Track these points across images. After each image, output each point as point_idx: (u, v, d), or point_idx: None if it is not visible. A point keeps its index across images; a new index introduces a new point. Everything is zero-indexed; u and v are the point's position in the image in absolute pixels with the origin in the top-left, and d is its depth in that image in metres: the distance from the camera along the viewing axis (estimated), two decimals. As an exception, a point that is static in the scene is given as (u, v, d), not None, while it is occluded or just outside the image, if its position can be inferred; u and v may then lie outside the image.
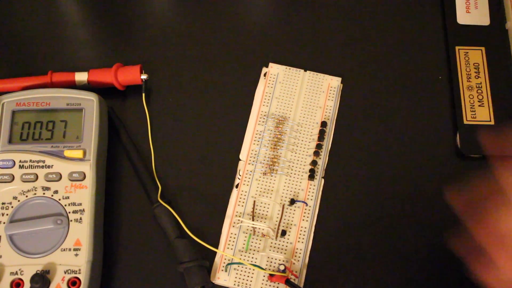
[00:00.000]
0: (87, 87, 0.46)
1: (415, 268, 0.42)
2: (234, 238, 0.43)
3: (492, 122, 0.46)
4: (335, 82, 0.48)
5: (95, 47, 0.50)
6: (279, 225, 0.43)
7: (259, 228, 0.43)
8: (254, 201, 0.44)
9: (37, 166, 0.41)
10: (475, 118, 0.46)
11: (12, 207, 0.41)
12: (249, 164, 0.45)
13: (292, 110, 0.46)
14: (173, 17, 0.51)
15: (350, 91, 0.48)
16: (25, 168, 0.41)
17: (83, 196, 0.41)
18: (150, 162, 0.45)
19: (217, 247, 0.42)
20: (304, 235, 0.43)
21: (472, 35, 0.49)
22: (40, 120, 0.43)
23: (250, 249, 0.42)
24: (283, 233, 0.43)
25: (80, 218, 0.40)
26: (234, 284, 0.41)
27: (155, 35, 0.50)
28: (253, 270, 0.42)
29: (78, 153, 0.42)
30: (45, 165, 0.41)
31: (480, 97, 0.47)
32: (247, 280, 0.41)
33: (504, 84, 0.47)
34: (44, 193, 0.41)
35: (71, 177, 0.41)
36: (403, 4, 0.51)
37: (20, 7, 0.51)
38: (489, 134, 0.46)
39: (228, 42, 0.49)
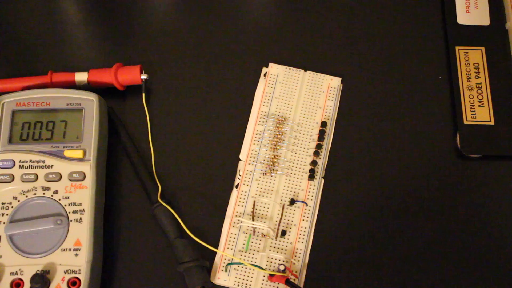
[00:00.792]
0: (87, 87, 0.46)
1: (415, 268, 0.42)
2: (234, 238, 0.43)
3: (492, 122, 0.46)
4: (335, 82, 0.48)
5: (95, 47, 0.50)
6: (279, 225, 0.43)
7: (259, 228, 0.43)
8: (254, 201, 0.44)
9: (37, 166, 0.41)
10: (475, 118, 0.46)
11: (12, 207, 0.41)
12: (249, 164, 0.45)
13: (292, 110, 0.46)
14: (173, 17, 0.51)
15: (350, 91, 0.48)
16: (25, 168, 0.41)
17: (83, 196, 0.41)
18: (150, 162, 0.45)
19: (217, 247, 0.42)
20: (304, 235, 0.43)
21: (472, 35, 0.49)
22: (40, 120, 0.43)
23: (250, 249, 0.42)
24: (283, 233, 0.43)
25: (80, 218, 0.40)
26: (234, 284, 0.41)
27: (155, 35, 0.50)
28: (253, 270, 0.42)
29: (78, 153, 0.42)
30: (45, 165, 0.41)
31: (480, 97, 0.47)
32: (247, 280, 0.41)
33: (504, 84, 0.47)
34: (44, 193, 0.41)
35: (71, 177, 0.41)
36: (403, 4, 0.51)
37: (20, 7, 0.51)
38: (489, 134, 0.46)
39: (228, 42, 0.49)
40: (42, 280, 0.38)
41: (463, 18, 0.50)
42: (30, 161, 0.41)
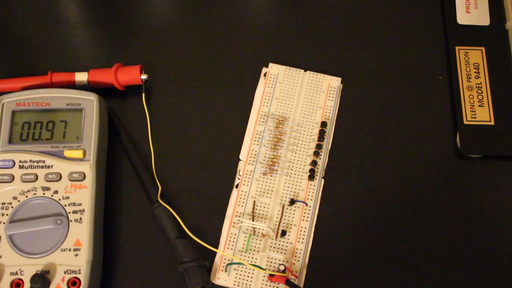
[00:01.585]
0: (87, 87, 0.46)
1: (415, 267, 0.42)
2: (234, 238, 0.43)
3: (492, 122, 0.46)
4: (335, 82, 0.48)
5: (95, 47, 0.50)
6: (279, 225, 0.43)
7: (259, 228, 0.43)
8: (254, 201, 0.44)
9: (37, 166, 0.41)
10: (475, 118, 0.46)
11: (12, 207, 0.41)
12: (249, 164, 0.45)
13: (292, 110, 0.46)
14: (173, 17, 0.51)
15: (350, 91, 0.48)
16: (25, 168, 0.41)
17: (83, 196, 0.41)
18: (150, 162, 0.45)
19: (217, 247, 0.42)
20: (304, 235, 0.43)
21: (472, 35, 0.49)
22: (40, 120, 0.43)
23: (250, 249, 0.42)
24: (283, 233, 0.43)
25: (80, 218, 0.40)
26: (234, 284, 0.41)
27: (155, 35, 0.50)
28: (253, 270, 0.42)
29: (78, 153, 0.42)
30: (45, 165, 0.41)
31: (480, 97, 0.47)
32: (247, 280, 0.41)
33: (504, 84, 0.47)
34: (44, 193, 0.41)
35: (71, 177, 0.41)
36: (403, 4, 0.51)
37: (20, 7, 0.51)
38: (489, 134, 0.46)
39: (228, 42, 0.49)
40: (42, 280, 0.38)
41: (463, 18, 0.50)
42: (30, 161, 0.41)
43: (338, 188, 0.45)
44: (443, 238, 0.43)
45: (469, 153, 0.45)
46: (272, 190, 0.44)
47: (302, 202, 0.44)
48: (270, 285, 0.41)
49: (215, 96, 0.47)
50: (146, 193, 0.43)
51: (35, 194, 0.41)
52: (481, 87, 0.47)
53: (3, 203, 0.41)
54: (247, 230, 0.43)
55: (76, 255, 0.40)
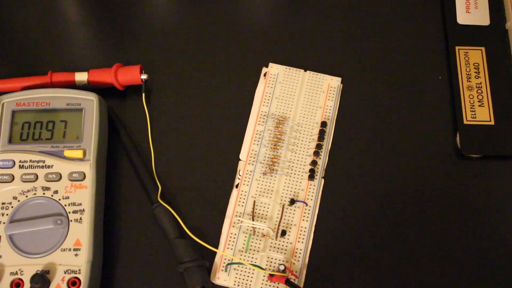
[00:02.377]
0: (87, 87, 0.46)
1: (415, 268, 0.42)
2: (234, 238, 0.43)
3: (492, 122, 0.46)
4: (335, 82, 0.48)
5: (95, 47, 0.50)
6: (279, 225, 0.43)
7: (259, 228, 0.43)
8: (254, 201, 0.44)
9: (37, 166, 0.41)
10: (475, 118, 0.46)
11: (12, 207, 0.41)
12: (249, 164, 0.45)
13: (292, 110, 0.46)
14: (173, 17, 0.51)
15: (350, 91, 0.48)
16: (25, 168, 0.41)
17: (83, 196, 0.41)
18: (150, 162, 0.45)
19: (217, 247, 0.42)
20: (304, 235, 0.43)
21: (472, 35, 0.49)
22: (40, 120, 0.43)
23: (250, 249, 0.42)
24: (283, 233, 0.43)
25: (80, 218, 0.40)
26: (234, 284, 0.41)
27: (155, 35, 0.50)
28: (253, 270, 0.42)
29: (78, 153, 0.42)
30: (45, 165, 0.41)
31: (480, 97, 0.47)
32: (247, 280, 0.41)
33: (504, 84, 0.47)
34: (44, 193, 0.41)
35: (71, 177, 0.41)
36: (403, 4, 0.51)
37: (20, 7, 0.51)
38: (489, 134, 0.46)
39: (228, 42, 0.49)
40: (42, 280, 0.38)
41: (463, 18, 0.50)
42: (30, 161, 0.41)
43: (338, 188, 0.45)
44: (443, 238, 0.43)
45: (469, 153, 0.45)
46: (272, 190, 0.44)
47: (302, 202, 0.44)
48: (270, 285, 0.41)
49: (215, 96, 0.47)
50: (146, 193, 0.43)
51: (35, 194, 0.41)
52: (481, 87, 0.47)
53: (3, 203, 0.41)
54: (247, 230, 0.43)
55: (76, 255, 0.40)
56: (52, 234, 0.40)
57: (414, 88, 0.48)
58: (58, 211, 0.41)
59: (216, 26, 0.50)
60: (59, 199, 0.41)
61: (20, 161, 0.41)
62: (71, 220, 0.40)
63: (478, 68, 0.48)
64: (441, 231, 0.43)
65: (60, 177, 0.41)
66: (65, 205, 0.41)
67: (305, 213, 0.43)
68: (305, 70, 0.48)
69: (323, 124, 0.46)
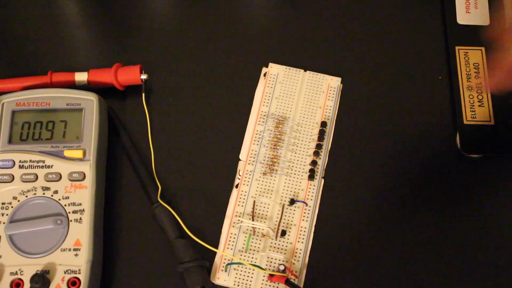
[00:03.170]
0: (87, 87, 0.46)
1: (415, 267, 0.42)
2: (234, 238, 0.43)
3: (492, 122, 0.46)
4: (335, 82, 0.48)
5: (95, 47, 0.50)
6: (279, 225, 0.43)
7: (259, 228, 0.43)
8: (254, 201, 0.44)
9: (37, 166, 0.41)
10: (475, 118, 0.46)
11: (12, 207, 0.41)
12: (249, 164, 0.45)
13: (292, 110, 0.46)
14: (173, 17, 0.51)
15: (350, 91, 0.48)
16: (25, 168, 0.41)
17: (83, 196, 0.41)
18: (150, 162, 0.45)
19: (217, 247, 0.42)
20: (304, 235, 0.43)
21: (472, 35, 0.49)
22: (40, 120, 0.43)
23: (250, 249, 0.42)
24: (283, 233, 0.43)
25: (80, 218, 0.40)
26: (234, 284, 0.41)
27: (155, 35, 0.50)
28: (253, 270, 0.42)
29: (78, 153, 0.42)
30: (45, 165, 0.41)
31: (480, 97, 0.47)
32: (247, 280, 0.41)
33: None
34: (44, 193, 0.41)
35: (71, 177, 0.41)
36: (403, 4, 0.51)
37: (20, 7, 0.51)
38: (489, 134, 0.46)
39: (228, 42, 0.49)
40: (42, 280, 0.38)
41: (463, 18, 0.50)
42: (30, 161, 0.41)
43: (338, 188, 0.45)
44: (442, 238, 0.43)
45: (469, 153, 0.45)
46: (272, 190, 0.44)
47: (302, 202, 0.44)
48: (270, 285, 0.41)
49: (215, 96, 0.47)
50: (146, 193, 0.43)
51: (35, 194, 0.41)
52: (481, 87, 0.47)
53: (3, 203, 0.41)
54: (247, 230, 0.43)
55: (76, 255, 0.40)
56: (52, 234, 0.40)
57: (414, 88, 0.48)
58: (58, 211, 0.41)
59: (216, 26, 0.50)
60: (59, 199, 0.41)
61: (20, 161, 0.41)
62: (71, 220, 0.40)
63: (478, 68, 0.48)
64: (441, 231, 0.43)
65: (60, 177, 0.41)
66: (65, 205, 0.41)
67: (305, 213, 0.43)
68: (305, 70, 0.48)
69: (323, 124, 0.46)
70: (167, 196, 0.44)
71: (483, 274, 0.42)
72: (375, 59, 0.49)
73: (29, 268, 0.39)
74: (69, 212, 0.40)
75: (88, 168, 0.41)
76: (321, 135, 0.45)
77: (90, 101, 0.43)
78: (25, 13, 0.50)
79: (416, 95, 0.48)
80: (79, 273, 0.39)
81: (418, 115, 0.47)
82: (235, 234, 0.43)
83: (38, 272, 0.39)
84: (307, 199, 0.44)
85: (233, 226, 0.43)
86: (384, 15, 0.51)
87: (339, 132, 0.46)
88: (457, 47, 0.49)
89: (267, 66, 0.48)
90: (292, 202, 0.44)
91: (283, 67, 0.48)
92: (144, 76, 0.46)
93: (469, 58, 0.48)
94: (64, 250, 0.40)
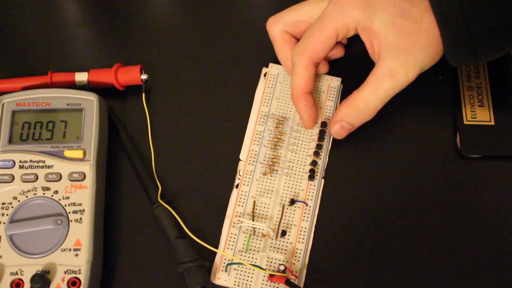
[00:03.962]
0: (87, 87, 0.46)
1: (415, 267, 0.42)
2: (234, 238, 0.43)
3: (492, 122, 0.46)
4: (335, 82, 0.48)
5: (95, 47, 0.50)
6: (279, 225, 0.43)
7: (259, 228, 0.43)
8: (254, 201, 0.44)
9: (37, 166, 0.41)
10: (475, 118, 0.46)
11: (12, 207, 0.41)
12: (249, 164, 0.45)
13: (292, 110, 0.46)
14: (173, 17, 0.51)
15: (350, 91, 0.48)
16: (25, 168, 0.41)
17: (83, 196, 0.41)
18: (150, 162, 0.45)
19: (217, 247, 0.42)
20: (304, 235, 0.43)
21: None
22: (40, 120, 0.43)
23: (250, 249, 0.42)
24: (283, 233, 0.43)
25: (80, 218, 0.40)
26: (234, 284, 0.41)
27: (155, 35, 0.50)
28: (253, 270, 0.42)
29: (78, 153, 0.42)
30: (45, 165, 0.41)
31: (480, 97, 0.47)
32: (247, 280, 0.41)
33: (504, 84, 0.47)
34: (44, 193, 0.41)
35: (71, 177, 0.41)
36: (403, 4, 0.51)
37: (20, 7, 0.51)
38: (489, 134, 0.46)
39: (228, 42, 0.49)
40: (42, 280, 0.38)
41: (463, 18, 0.50)
42: (30, 161, 0.41)
43: (338, 188, 0.45)
44: (443, 237, 0.43)
45: (469, 153, 0.45)
46: (272, 190, 0.44)
47: (302, 202, 0.44)
48: (270, 285, 0.41)
49: (215, 96, 0.47)
50: (146, 193, 0.44)
51: (35, 194, 0.41)
52: (481, 87, 0.47)
53: (3, 203, 0.41)
54: (247, 230, 0.43)
55: (76, 255, 0.40)
56: (52, 234, 0.40)
57: (414, 88, 0.48)
58: (58, 211, 0.41)
59: (216, 26, 0.50)
60: (59, 199, 0.41)
61: (20, 161, 0.41)
62: (71, 220, 0.40)
63: (478, 68, 0.48)
64: (441, 231, 0.43)
65: (60, 177, 0.41)
66: (65, 205, 0.41)
67: (305, 213, 0.43)
68: (305, 70, 0.48)
69: (323, 124, 0.46)
70: (167, 196, 0.44)
71: (483, 274, 0.42)
72: (375, 59, 0.49)
73: (29, 268, 0.39)
74: (69, 212, 0.40)
75: (88, 168, 0.41)
76: (321, 135, 0.45)
77: (90, 101, 0.43)
78: (25, 13, 0.50)
79: (416, 95, 0.48)
80: (79, 273, 0.39)
81: (418, 115, 0.47)
82: (235, 234, 0.43)
83: (38, 272, 0.39)
84: (307, 199, 0.44)
85: (233, 226, 0.43)
86: (384, 15, 0.51)
87: (339, 132, 0.46)
88: (457, 47, 0.49)
89: (267, 66, 0.48)
90: (292, 202, 0.44)
91: (283, 67, 0.48)
92: (144, 76, 0.46)
93: (469, 58, 0.48)
94: (64, 250, 0.40)
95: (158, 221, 0.42)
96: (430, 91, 0.48)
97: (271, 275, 0.41)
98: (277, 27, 0.45)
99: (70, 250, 0.40)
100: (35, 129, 0.43)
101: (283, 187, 0.44)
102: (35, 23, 0.50)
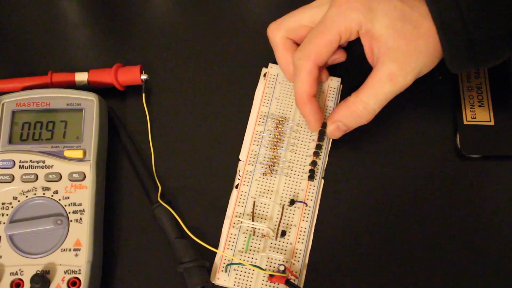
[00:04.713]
0: (87, 87, 0.46)
1: (415, 267, 0.42)
2: (234, 238, 0.43)
3: (492, 122, 0.46)
4: (335, 82, 0.48)
5: (95, 47, 0.50)
6: (279, 226, 0.43)
7: (259, 229, 0.43)
8: (254, 202, 0.44)
9: (37, 166, 0.41)
10: (475, 118, 0.46)
11: (12, 207, 0.41)
12: (249, 164, 0.45)
13: (292, 110, 0.46)
14: (173, 18, 0.51)
15: (349, 91, 0.48)
16: (25, 168, 0.41)
17: (83, 196, 0.41)
18: (150, 162, 0.45)
19: (217, 248, 0.42)
20: (304, 235, 0.43)
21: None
22: (40, 120, 0.43)
23: (250, 250, 0.42)
24: (283, 233, 0.43)
25: (80, 218, 0.40)
26: (234, 285, 0.41)
27: (155, 35, 0.50)
28: (253, 270, 0.42)
29: (78, 153, 0.42)
30: (45, 165, 0.41)
31: (480, 97, 0.47)
32: (247, 280, 0.41)
33: (504, 84, 0.47)
34: (44, 193, 0.41)
35: (71, 177, 0.41)
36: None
37: (20, 8, 0.51)
38: (489, 134, 0.46)
39: (228, 42, 0.49)
40: (42, 280, 0.38)
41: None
42: (30, 161, 0.42)
43: (338, 188, 0.45)
44: (443, 237, 0.43)
45: (469, 153, 0.45)
46: (272, 191, 0.44)
47: (302, 202, 0.44)
48: (270, 285, 0.41)
49: (215, 96, 0.47)
50: (146, 193, 0.44)
51: (35, 194, 0.41)
52: (481, 87, 0.47)
53: (3, 203, 0.41)
54: (247, 230, 0.43)
55: (76, 255, 0.40)
56: (52, 234, 0.40)
57: (414, 88, 0.48)
58: (58, 211, 0.41)
59: (216, 26, 0.50)
60: (59, 199, 0.41)
61: (20, 161, 0.41)
62: (71, 220, 0.40)
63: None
64: (441, 231, 0.43)
65: (60, 177, 0.41)
66: (65, 205, 0.41)
67: (305, 213, 0.43)
68: (305, 70, 0.48)
69: (323, 125, 0.46)
70: (167, 196, 0.44)
71: (483, 273, 0.42)
72: (375, 59, 0.49)
73: (29, 268, 0.39)
74: (69, 212, 0.40)
75: (88, 168, 0.41)
76: (321, 135, 0.45)
77: (90, 101, 0.43)
78: (25, 13, 0.50)
79: (416, 95, 0.48)
80: (79, 273, 0.39)
81: (418, 115, 0.47)
82: (235, 235, 0.43)
83: (38, 272, 0.39)
84: (307, 199, 0.44)
85: (233, 227, 0.43)
86: (384, 15, 0.51)
87: (339, 132, 0.46)
88: (457, 47, 0.49)
89: (267, 67, 0.48)
90: (292, 202, 0.44)
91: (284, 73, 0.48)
92: (144, 76, 0.46)
93: (469, 58, 0.48)
94: (64, 250, 0.40)
95: (158, 221, 0.42)
96: (430, 91, 0.48)
97: (271, 275, 0.41)
98: (279, 33, 0.45)
99: (70, 250, 0.40)
100: (35, 129, 0.43)
101: (283, 187, 0.44)
102: (35, 23, 0.50)
